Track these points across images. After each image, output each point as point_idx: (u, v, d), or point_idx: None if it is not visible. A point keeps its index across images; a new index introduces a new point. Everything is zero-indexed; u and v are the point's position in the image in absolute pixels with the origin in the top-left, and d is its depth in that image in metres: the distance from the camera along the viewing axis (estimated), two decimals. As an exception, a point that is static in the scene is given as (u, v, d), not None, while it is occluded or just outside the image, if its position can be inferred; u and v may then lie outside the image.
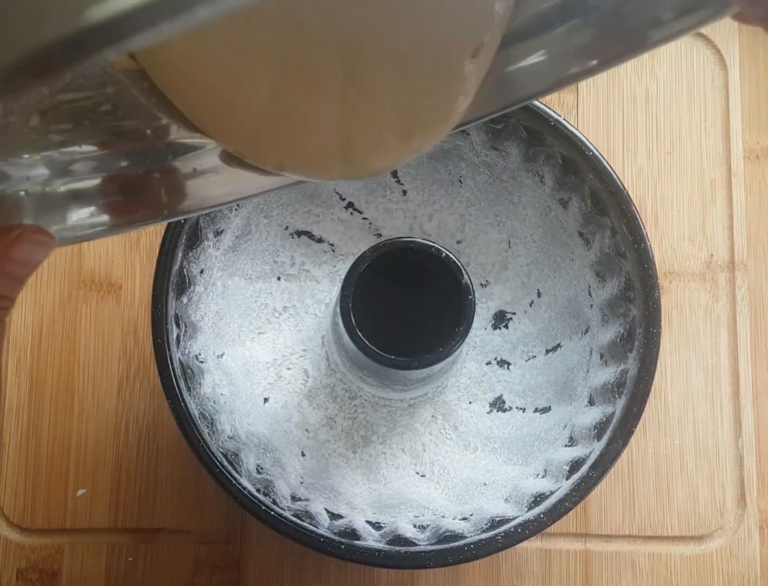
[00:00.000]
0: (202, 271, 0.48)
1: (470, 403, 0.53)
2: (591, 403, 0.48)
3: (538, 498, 0.45)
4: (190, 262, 0.47)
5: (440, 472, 0.51)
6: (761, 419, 0.53)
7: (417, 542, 0.44)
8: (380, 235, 0.54)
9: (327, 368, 0.53)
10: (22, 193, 0.27)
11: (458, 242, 0.54)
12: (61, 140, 0.27)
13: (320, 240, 0.54)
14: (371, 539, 0.44)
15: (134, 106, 0.28)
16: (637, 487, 0.52)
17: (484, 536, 0.44)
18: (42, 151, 0.27)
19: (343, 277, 0.45)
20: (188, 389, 0.45)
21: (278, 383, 0.53)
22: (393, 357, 0.43)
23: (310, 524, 0.44)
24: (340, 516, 0.46)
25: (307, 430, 0.52)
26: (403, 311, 0.49)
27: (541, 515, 0.44)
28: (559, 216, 0.50)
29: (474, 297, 0.44)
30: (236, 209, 0.49)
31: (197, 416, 0.44)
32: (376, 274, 0.44)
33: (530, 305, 0.54)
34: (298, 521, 0.44)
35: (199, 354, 0.48)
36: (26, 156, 0.27)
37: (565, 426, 0.49)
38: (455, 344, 0.43)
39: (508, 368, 0.53)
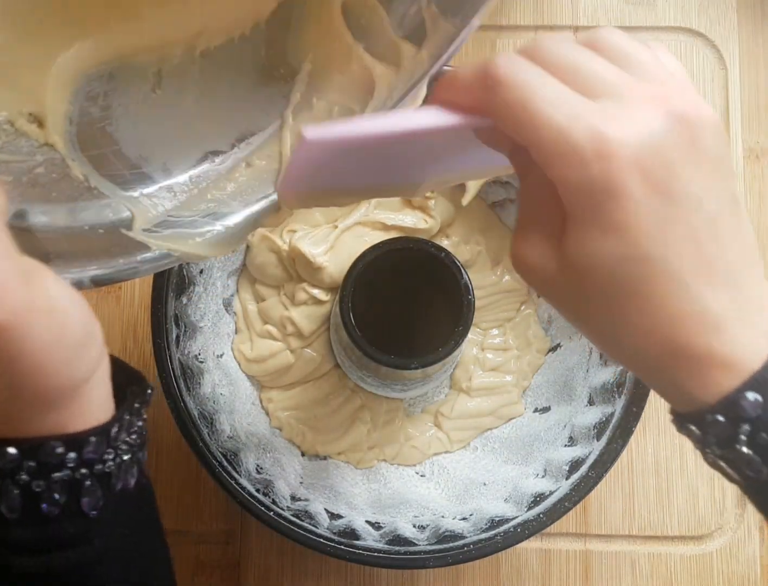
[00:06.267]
0: (201, 271, 0.48)
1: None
2: (591, 403, 0.48)
3: (538, 498, 0.45)
4: (190, 263, 0.47)
5: (440, 472, 0.51)
6: (761, 419, 0.53)
7: (417, 542, 0.44)
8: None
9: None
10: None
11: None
12: None
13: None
14: (371, 539, 0.44)
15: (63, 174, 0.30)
16: (637, 487, 0.52)
17: (483, 536, 0.44)
18: None
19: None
20: (188, 388, 0.45)
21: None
22: (393, 357, 0.43)
23: (310, 524, 0.44)
24: (339, 516, 0.46)
25: (306, 430, 0.52)
26: (403, 311, 0.49)
27: (541, 515, 0.44)
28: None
29: (473, 297, 0.44)
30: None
31: (197, 416, 0.44)
32: (376, 274, 0.44)
33: (530, 305, 0.54)
34: (298, 521, 0.44)
35: (199, 354, 0.48)
36: None
37: (565, 426, 0.49)
38: (454, 344, 0.43)
39: (507, 367, 0.53)
